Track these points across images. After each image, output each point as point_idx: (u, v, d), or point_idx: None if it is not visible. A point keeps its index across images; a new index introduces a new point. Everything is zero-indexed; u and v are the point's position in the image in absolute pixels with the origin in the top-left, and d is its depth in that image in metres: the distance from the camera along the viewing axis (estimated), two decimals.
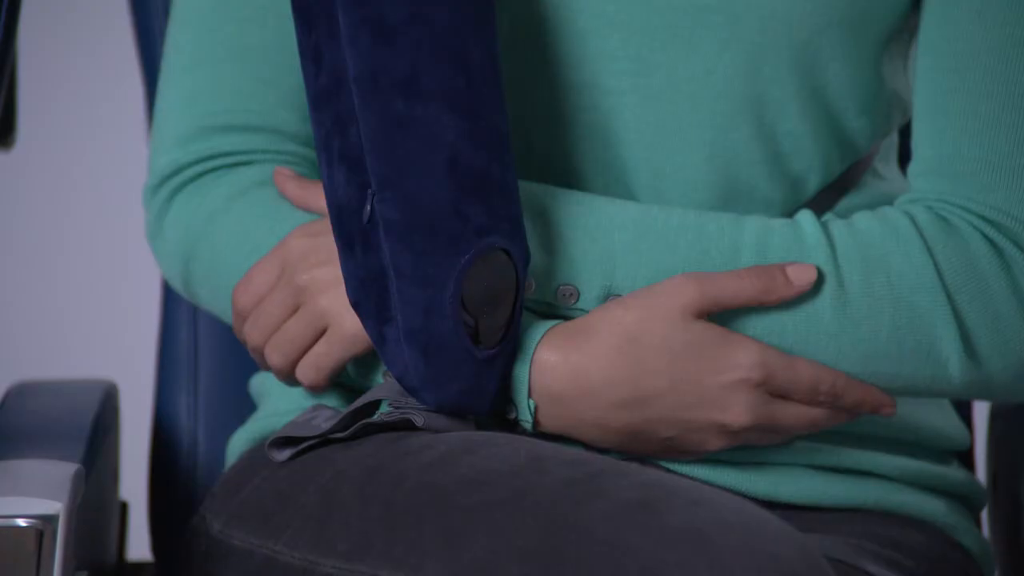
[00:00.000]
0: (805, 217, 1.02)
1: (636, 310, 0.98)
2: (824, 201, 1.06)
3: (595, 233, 1.00)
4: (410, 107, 0.95)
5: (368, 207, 0.96)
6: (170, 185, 1.08)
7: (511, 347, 0.99)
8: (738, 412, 0.98)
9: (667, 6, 1.01)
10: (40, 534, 0.97)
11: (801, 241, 1.01)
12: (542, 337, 0.99)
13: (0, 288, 1.39)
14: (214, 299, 1.08)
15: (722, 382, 0.98)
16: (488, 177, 0.97)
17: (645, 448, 1.00)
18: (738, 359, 0.98)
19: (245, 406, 1.17)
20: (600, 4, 1.02)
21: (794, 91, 1.03)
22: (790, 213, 1.05)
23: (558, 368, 0.99)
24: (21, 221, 1.77)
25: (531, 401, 0.99)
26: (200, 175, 1.08)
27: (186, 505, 1.21)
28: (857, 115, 1.05)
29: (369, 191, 0.96)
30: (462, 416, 1.00)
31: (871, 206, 1.08)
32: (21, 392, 1.17)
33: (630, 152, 1.03)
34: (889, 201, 1.08)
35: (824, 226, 1.01)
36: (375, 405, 1.02)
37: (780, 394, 0.99)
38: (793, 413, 1.00)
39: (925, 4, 1.03)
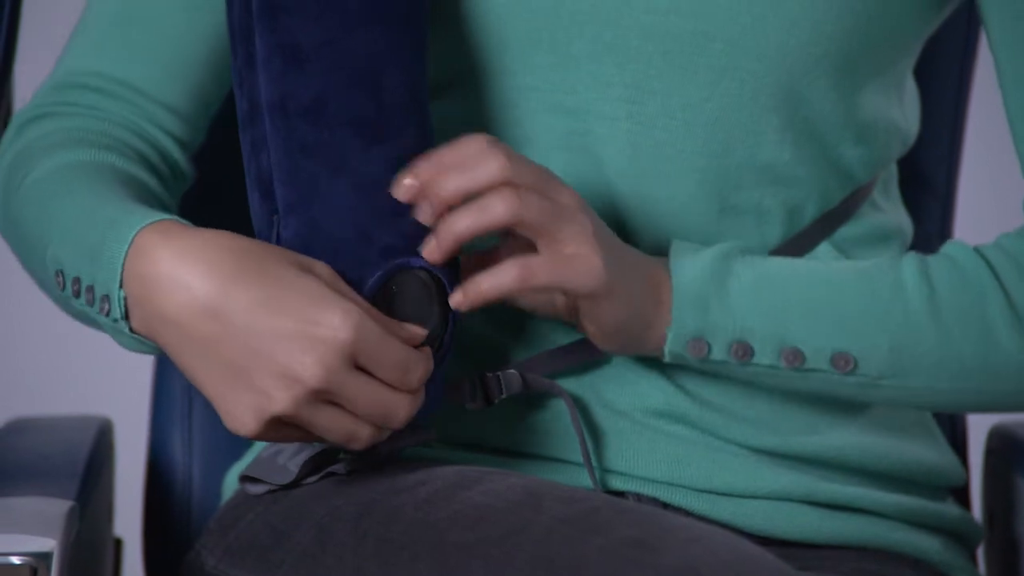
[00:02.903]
0: (957, 249, 1.04)
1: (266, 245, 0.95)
2: (821, 230, 1.07)
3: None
4: (316, 133, 0.96)
5: (275, 232, 0.97)
6: (16, 122, 1.07)
7: (444, 362, 0.98)
8: (314, 365, 0.93)
9: (665, 33, 1.02)
10: (34, 571, 0.97)
11: (963, 272, 1.02)
12: (154, 223, 0.96)
13: None
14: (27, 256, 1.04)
15: (309, 330, 0.94)
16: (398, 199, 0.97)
17: (214, 374, 0.94)
18: (334, 319, 0.94)
19: (240, 441, 1.17)
20: (596, 30, 1.02)
21: (789, 120, 1.04)
22: (786, 242, 1.06)
23: (158, 250, 0.95)
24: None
25: (122, 291, 0.96)
26: (40, 117, 1.06)
27: (181, 541, 1.21)
28: (853, 145, 1.06)
29: (275, 217, 0.97)
30: (414, 426, 0.99)
31: (868, 237, 1.08)
32: (15, 428, 1.17)
33: (621, 178, 1.03)
34: (886, 232, 1.09)
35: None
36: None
37: (366, 368, 0.95)
38: (369, 391, 0.94)
39: (992, 34, 1.03)
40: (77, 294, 0.99)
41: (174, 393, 1.22)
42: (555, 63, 1.03)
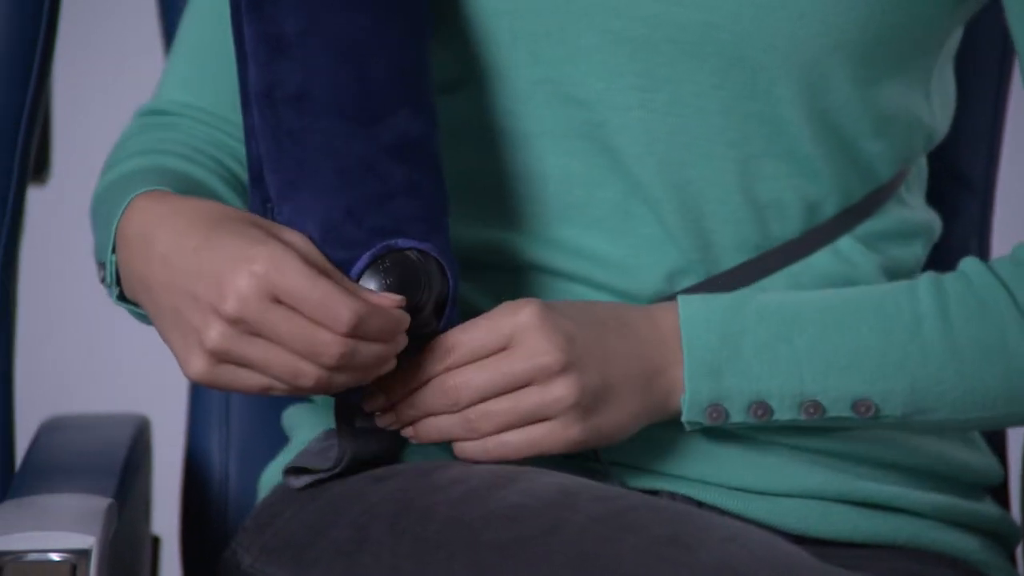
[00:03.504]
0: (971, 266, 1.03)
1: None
2: (842, 225, 1.06)
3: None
4: (302, 119, 0.97)
5: (268, 219, 0.98)
6: (141, 120, 1.11)
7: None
8: (231, 295, 0.94)
9: (671, 23, 1.02)
10: (73, 568, 0.97)
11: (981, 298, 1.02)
12: (150, 191, 0.98)
13: (34, 323, 1.40)
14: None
15: (234, 266, 0.94)
16: (389, 182, 0.97)
17: (167, 322, 0.96)
18: (258, 255, 0.94)
19: (277, 440, 1.17)
20: (605, 21, 1.02)
21: (805, 113, 1.03)
22: (805, 234, 1.05)
23: (141, 213, 0.98)
24: (54, 256, 1.78)
25: (114, 256, 0.99)
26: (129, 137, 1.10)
27: (218, 539, 1.21)
28: (872, 139, 1.06)
29: (268, 204, 0.98)
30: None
31: (893, 233, 1.08)
32: (54, 427, 1.18)
33: (639, 165, 1.03)
34: (912, 229, 1.09)
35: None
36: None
37: (290, 303, 0.94)
38: (292, 324, 0.94)
39: (1015, 28, 1.03)
40: (102, 279, 1.02)
41: (211, 392, 1.23)
42: (565, 55, 1.03)
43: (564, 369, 0.98)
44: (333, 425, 1.08)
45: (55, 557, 0.98)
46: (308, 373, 0.95)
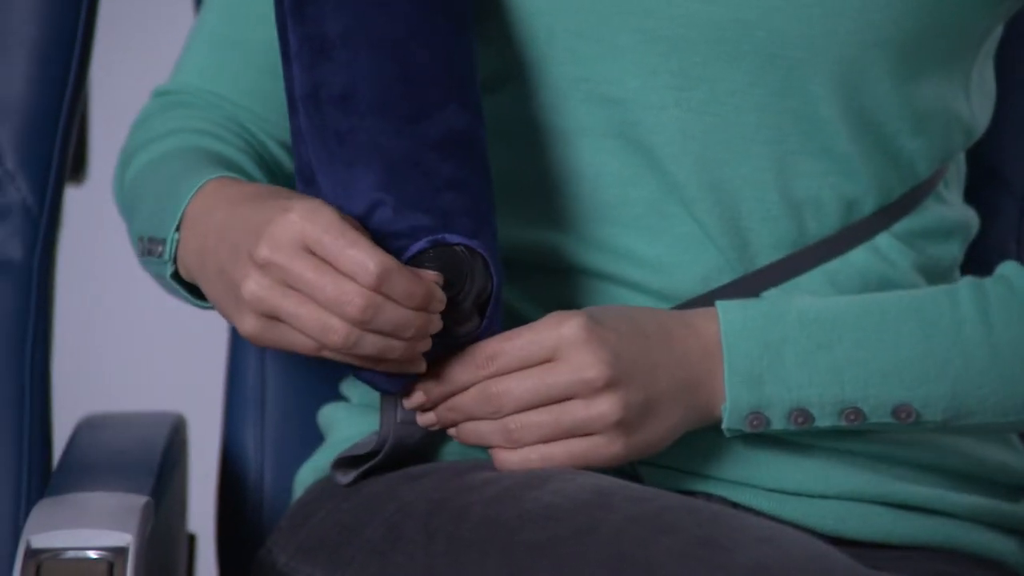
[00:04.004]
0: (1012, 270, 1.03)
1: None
2: (880, 222, 1.06)
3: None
4: (348, 119, 0.97)
5: None
6: (160, 101, 1.12)
7: (489, 332, 0.99)
8: (263, 243, 0.94)
9: (707, 21, 1.02)
10: (111, 566, 0.98)
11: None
12: (220, 177, 1.01)
13: (70, 322, 1.40)
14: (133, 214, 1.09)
15: (271, 218, 0.95)
16: (436, 178, 0.98)
17: (218, 287, 0.98)
18: (294, 203, 0.95)
19: (312, 438, 1.17)
20: (640, 20, 1.02)
21: (842, 110, 1.03)
22: (843, 230, 1.05)
23: (206, 197, 1.00)
24: (90, 255, 1.78)
25: (176, 234, 1.01)
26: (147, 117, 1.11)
27: (254, 537, 1.21)
28: (911, 137, 1.05)
29: None
30: None
31: (931, 231, 1.08)
32: (91, 425, 1.18)
33: (678, 166, 1.03)
34: (949, 227, 1.08)
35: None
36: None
37: (320, 253, 0.95)
38: (320, 272, 0.94)
39: None
40: (147, 252, 1.03)
41: (247, 391, 1.23)
42: (601, 53, 1.03)
43: (609, 385, 0.98)
44: (368, 425, 1.08)
45: (92, 555, 0.98)
46: (335, 328, 0.94)
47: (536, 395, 0.98)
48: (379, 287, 0.94)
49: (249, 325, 0.96)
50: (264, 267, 0.95)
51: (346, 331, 0.94)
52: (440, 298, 0.96)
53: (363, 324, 0.94)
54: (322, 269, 0.94)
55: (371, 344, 0.95)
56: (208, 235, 0.99)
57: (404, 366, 0.97)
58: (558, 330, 0.98)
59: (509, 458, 0.99)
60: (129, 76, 1.57)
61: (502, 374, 0.98)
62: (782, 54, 1.02)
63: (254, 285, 0.95)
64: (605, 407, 0.98)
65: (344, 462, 1.04)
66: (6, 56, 1.16)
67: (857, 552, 1.04)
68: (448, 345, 0.98)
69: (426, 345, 0.97)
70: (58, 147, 1.16)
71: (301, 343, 0.96)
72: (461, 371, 0.98)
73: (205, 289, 1.00)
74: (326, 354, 0.96)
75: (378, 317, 0.94)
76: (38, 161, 1.16)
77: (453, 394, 0.99)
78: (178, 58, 1.13)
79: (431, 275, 0.96)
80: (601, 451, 0.98)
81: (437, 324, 0.96)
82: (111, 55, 1.46)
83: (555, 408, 0.98)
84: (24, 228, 1.16)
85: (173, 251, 1.01)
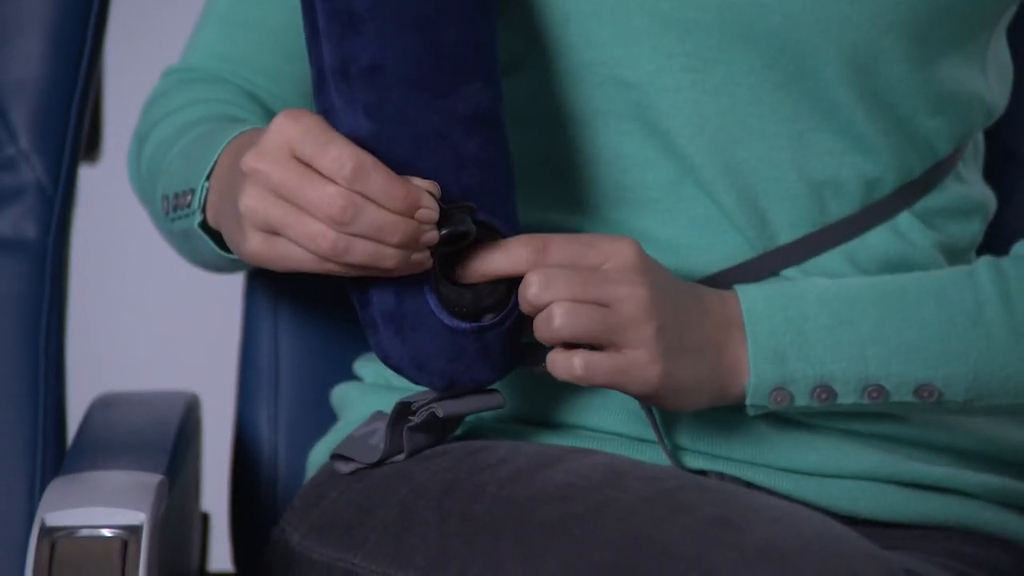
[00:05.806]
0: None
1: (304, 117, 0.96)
2: (901, 201, 1.06)
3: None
4: (376, 92, 0.97)
5: None
6: (172, 78, 1.13)
7: (511, 320, 0.98)
8: (258, 150, 0.95)
9: (722, 5, 1.02)
10: (125, 544, 0.98)
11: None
12: (252, 129, 1.02)
13: (84, 301, 1.41)
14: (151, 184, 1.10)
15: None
16: (462, 152, 0.97)
17: (233, 221, 0.98)
18: (295, 114, 0.95)
19: (326, 417, 1.18)
20: (654, 3, 1.02)
21: (857, 93, 1.03)
22: (864, 209, 1.05)
23: (238, 148, 1.00)
24: (104, 234, 1.79)
25: (207, 183, 1.01)
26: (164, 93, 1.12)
27: (267, 516, 1.22)
28: (930, 116, 1.05)
29: None
30: (479, 390, 0.99)
31: (951, 210, 1.07)
32: (105, 404, 1.18)
33: (694, 148, 1.03)
34: (970, 205, 1.08)
35: None
36: (409, 412, 1.02)
37: (303, 158, 0.95)
38: (306, 178, 0.94)
39: None
40: (174, 207, 1.04)
41: (261, 369, 1.23)
42: (616, 37, 1.03)
43: (651, 302, 0.98)
44: (381, 405, 1.08)
45: (107, 533, 0.98)
46: (322, 234, 0.94)
47: (583, 286, 0.97)
48: (355, 181, 0.94)
49: (253, 244, 0.96)
50: (252, 176, 0.95)
51: (333, 236, 0.94)
52: (428, 205, 0.95)
53: (345, 226, 0.94)
54: (305, 174, 0.95)
55: (361, 250, 0.94)
56: (234, 174, 0.99)
57: (410, 268, 0.96)
58: (612, 242, 0.98)
59: (556, 360, 0.98)
60: (143, 55, 1.57)
61: (552, 264, 0.98)
62: (797, 39, 1.02)
63: (247, 199, 0.96)
64: (644, 317, 0.97)
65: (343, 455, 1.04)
66: (20, 36, 1.16)
67: (871, 531, 1.04)
68: (474, 310, 0.98)
69: (422, 256, 0.96)
70: (72, 126, 1.16)
71: (298, 257, 0.96)
72: (512, 253, 0.98)
73: (223, 228, 1.00)
74: (328, 268, 0.95)
75: (359, 218, 0.94)
76: (52, 140, 1.16)
77: (510, 276, 0.98)
78: (189, 38, 1.14)
79: (421, 182, 0.96)
80: (642, 368, 0.98)
81: (431, 237, 0.96)
82: (124, 34, 1.46)
83: (600, 309, 0.98)
84: (38, 207, 1.16)
85: (203, 199, 1.02)
